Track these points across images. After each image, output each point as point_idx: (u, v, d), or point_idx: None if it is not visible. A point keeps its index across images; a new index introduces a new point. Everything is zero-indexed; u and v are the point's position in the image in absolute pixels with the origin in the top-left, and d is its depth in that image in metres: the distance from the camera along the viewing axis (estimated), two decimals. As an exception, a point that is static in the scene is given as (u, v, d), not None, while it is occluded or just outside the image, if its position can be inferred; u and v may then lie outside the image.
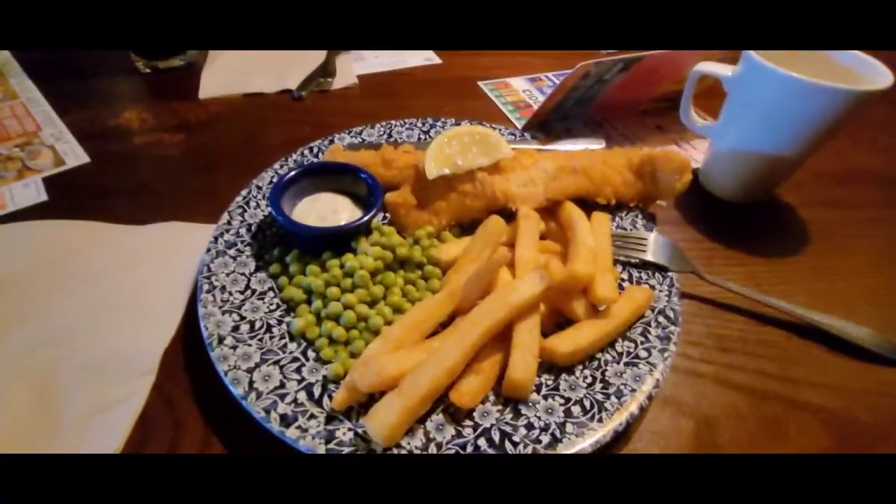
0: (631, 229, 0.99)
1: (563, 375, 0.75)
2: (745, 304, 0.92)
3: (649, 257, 0.92)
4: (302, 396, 0.70)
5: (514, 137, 1.20)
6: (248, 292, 0.83)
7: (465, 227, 0.98)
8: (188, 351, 0.75)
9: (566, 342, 0.74)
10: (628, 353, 0.77)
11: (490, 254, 0.88)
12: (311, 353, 0.76)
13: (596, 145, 1.16)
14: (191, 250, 0.93)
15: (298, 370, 0.73)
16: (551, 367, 0.75)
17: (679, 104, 1.17)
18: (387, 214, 0.99)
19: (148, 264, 0.92)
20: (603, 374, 0.74)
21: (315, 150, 1.11)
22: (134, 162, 1.20)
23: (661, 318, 0.81)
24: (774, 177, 1.11)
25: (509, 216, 0.93)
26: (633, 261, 0.92)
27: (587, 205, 0.98)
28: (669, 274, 0.89)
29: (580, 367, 0.76)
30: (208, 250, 0.88)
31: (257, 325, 0.78)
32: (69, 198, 1.08)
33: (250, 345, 0.75)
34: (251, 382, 0.70)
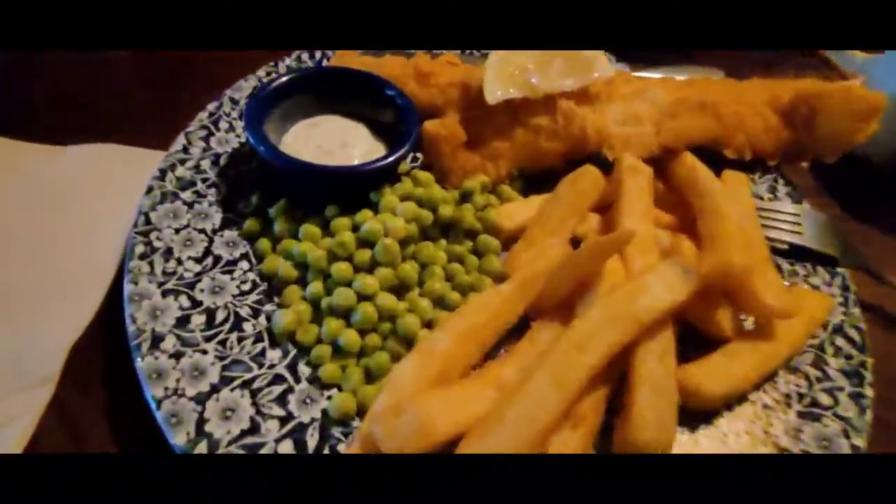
0: (769, 198, 0.69)
1: (702, 427, 0.48)
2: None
3: (807, 242, 0.63)
4: (286, 449, 0.42)
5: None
6: (209, 261, 0.54)
7: (533, 178, 0.68)
8: (109, 349, 0.52)
9: (717, 379, 0.46)
10: (800, 397, 0.50)
11: (574, 223, 0.59)
12: (303, 369, 0.48)
13: (709, 75, 0.84)
14: (130, 189, 0.62)
15: (282, 399, 0.45)
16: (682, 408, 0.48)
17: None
18: (418, 155, 0.68)
19: (63, 207, 0.63)
20: (767, 430, 0.47)
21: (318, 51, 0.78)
22: (59, 56, 0.86)
23: (839, 341, 0.54)
24: (955, 137, 0.80)
25: (601, 166, 0.62)
26: (778, 246, 0.63)
27: (701, 158, 0.67)
28: (839, 271, 0.60)
29: (726, 411, 0.48)
30: (150, 190, 0.57)
31: (219, 316, 0.49)
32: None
33: (205, 350, 0.47)
34: (201, 421, 0.42)
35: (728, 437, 0.47)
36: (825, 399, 0.50)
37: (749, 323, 0.55)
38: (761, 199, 0.69)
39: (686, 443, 0.47)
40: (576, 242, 0.58)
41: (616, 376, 0.48)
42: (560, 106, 0.66)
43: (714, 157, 0.68)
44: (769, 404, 0.49)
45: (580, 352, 0.41)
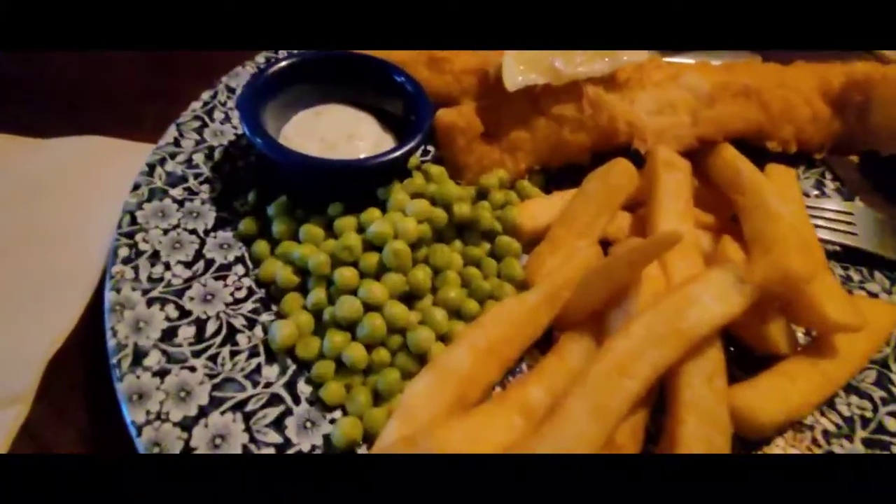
0: (817, 196, 0.63)
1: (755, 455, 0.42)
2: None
3: (861, 244, 0.57)
4: (283, 484, 0.37)
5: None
6: (200, 265, 0.49)
7: (554, 173, 0.62)
8: (91, 364, 0.48)
9: (775, 404, 0.41)
10: (865, 421, 0.44)
11: (605, 223, 0.53)
12: (303, 388, 0.43)
13: (746, 59, 0.77)
14: (117, 185, 0.57)
15: (279, 424, 0.40)
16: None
17: None
18: (429, 148, 0.62)
19: (45, 204, 0.58)
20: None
21: (320, 39, 0.72)
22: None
23: (905, 356, 0.47)
24: None
25: (632, 161, 0.56)
26: (829, 248, 0.57)
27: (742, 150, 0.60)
28: (899, 276, 0.54)
29: (778, 438, 0.43)
30: (136, 187, 0.52)
31: (210, 328, 0.45)
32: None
33: (193, 368, 0.42)
34: (187, 450, 0.37)
35: (785, 468, 0.42)
36: (893, 424, 0.44)
37: (800, 334, 0.49)
38: (807, 196, 0.63)
39: (737, 475, 0.41)
40: (604, 244, 0.53)
41: (654, 397, 0.42)
42: (586, 93, 0.60)
43: (752, 150, 0.62)
44: (830, 430, 0.44)
45: (622, 375, 0.36)
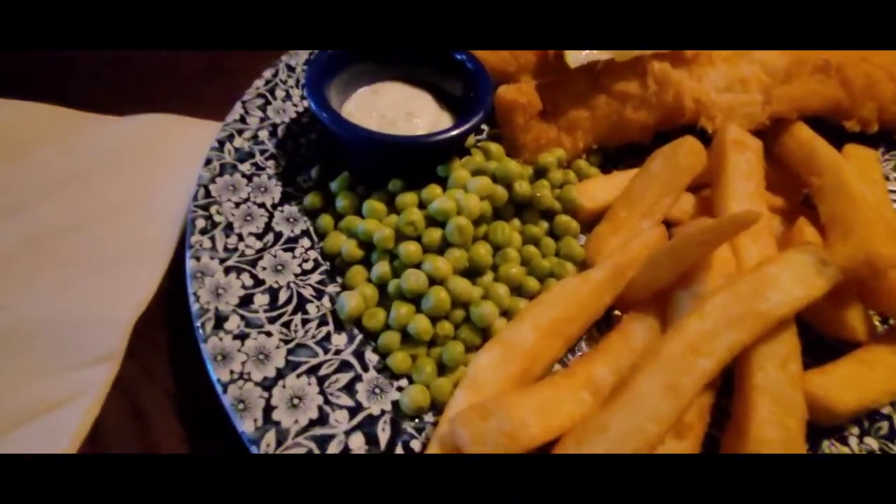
0: (896, 179, 0.59)
1: (826, 444, 0.41)
2: None
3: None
4: (357, 443, 0.39)
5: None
6: (269, 237, 0.50)
7: (611, 153, 0.61)
8: (172, 322, 0.51)
9: (851, 390, 0.40)
10: (947, 414, 0.42)
11: (669, 204, 0.52)
12: (370, 356, 0.44)
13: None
14: (186, 160, 0.60)
15: (350, 388, 0.42)
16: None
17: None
18: (483, 127, 0.62)
19: (122, 177, 0.61)
20: (907, 451, 0.40)
21: (376, 17, 0.72)
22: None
23: None
24: None
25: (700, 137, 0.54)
26: (910, 234, 0.54)
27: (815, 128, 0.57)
28: None
29: (854, 426, 0.42)
30: (208, 162, 0.55)
31: (282, 296, 0.46)
32: (20, 72, 0.75)
33: (269, 332, 0.44)
34: (268, 408, 0.39)
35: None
36: (980, 419, 0.42)
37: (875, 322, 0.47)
38: (888, 179, 0.59)
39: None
40: (666, 227, 0.51)
41: (720, 379, 0.42)
42: (651, 69, 0.58)
43: (826, 130, 0.58)
44: (908, 421, 0.42)
45: (696, 354, 0.36)
